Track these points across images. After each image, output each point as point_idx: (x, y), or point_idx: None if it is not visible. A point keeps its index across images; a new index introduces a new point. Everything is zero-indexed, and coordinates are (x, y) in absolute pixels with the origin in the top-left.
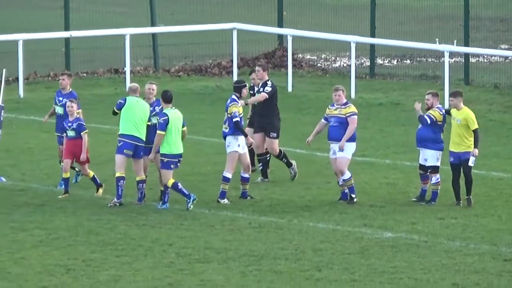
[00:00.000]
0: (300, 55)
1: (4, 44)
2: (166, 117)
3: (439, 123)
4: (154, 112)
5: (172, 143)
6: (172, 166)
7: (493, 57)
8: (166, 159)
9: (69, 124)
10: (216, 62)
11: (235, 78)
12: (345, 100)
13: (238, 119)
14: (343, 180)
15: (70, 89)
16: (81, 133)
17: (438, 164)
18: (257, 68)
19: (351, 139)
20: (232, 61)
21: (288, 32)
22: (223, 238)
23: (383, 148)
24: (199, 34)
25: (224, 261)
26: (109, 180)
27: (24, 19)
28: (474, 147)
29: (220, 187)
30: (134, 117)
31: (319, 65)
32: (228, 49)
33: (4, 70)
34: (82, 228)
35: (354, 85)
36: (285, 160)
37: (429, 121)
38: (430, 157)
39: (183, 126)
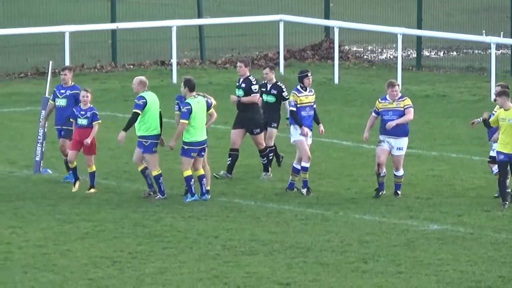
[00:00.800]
0: (346, 47)
1: (51, 36)
2: (190, 107)
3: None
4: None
5: (195, 131)
6: (192, 154)
7: None
8: (186, 147)
9: (82, 113)
10: (263, 54)
11: (281, 70)
12: (400, 94)
13: (293, 108)
14: (398, 176)
15: (73, 83)
16: (93, 123)
17: None
18: (238, 63)
19: (406, 133)
20: (278, 53)
21: (335, 24)
22: (269, 230)
23: (429, 140)
24: (245, 26)
25: (270, 253)
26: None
27: (71, 11)
28: None
29: (301, 177)
30: (157, 113)
31: (365, 57)
32: (274, 41)
33: (50, 62)
34: (128, 220)
35: (401, 77)
36: (265, 162)
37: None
38: None
39: (209, 109)
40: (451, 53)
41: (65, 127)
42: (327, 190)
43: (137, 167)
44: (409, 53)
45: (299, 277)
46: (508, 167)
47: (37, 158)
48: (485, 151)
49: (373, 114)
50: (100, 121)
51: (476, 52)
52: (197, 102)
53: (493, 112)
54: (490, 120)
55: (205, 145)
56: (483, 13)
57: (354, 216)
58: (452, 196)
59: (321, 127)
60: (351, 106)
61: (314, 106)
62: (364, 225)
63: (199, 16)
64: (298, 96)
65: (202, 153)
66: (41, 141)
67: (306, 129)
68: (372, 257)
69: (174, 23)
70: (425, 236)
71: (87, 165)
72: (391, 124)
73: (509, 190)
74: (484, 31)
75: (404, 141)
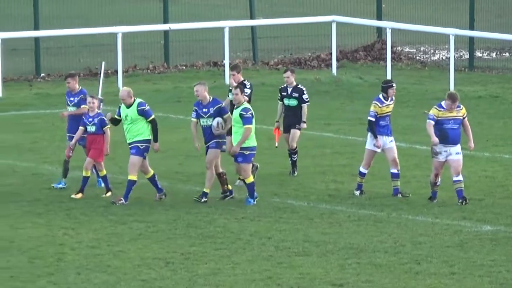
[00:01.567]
0: (399, 48)
1: (104, 37)
2: (252, 111)
3: None
4: (209, 113)
5: (253, 136)
6: (252, 159)
7: None
8: (248, 152)
9: (90, 119)
10: (315, 55)
11: (334, 71)
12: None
13: (372, 119)
14: (459, 181)
15: (80, 87)
16: (103, 128)
17: None
18: (231, 72)
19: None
20: (331, 54)
21: (387, 24)
22: (322, 231)
23: (482, 141)
24: (298, 27)
25: (323, 254)
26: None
27: (123, 12)
28: None
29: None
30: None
31: (417, 57)
32: (327, 41)
33: (103, 63)
34: (181, 221)
35: (453, 78)
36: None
37: None
38: None
39: (226, 113)
40: (504, 54)
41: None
42: (380, 191)
43: (146, 176)
44: (461, 54)
45: (352, 278)
46: None
47: None
48: None
49: (431, 121)
50: (109, 125)
51: None
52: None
53: None
54: None
55: None
56: None
57: (407, 217)
58: (505, 197)
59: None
60: (404, 107)
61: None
62: (417, 226)
63: (252, 17)
64: (380, 107)
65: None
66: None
67: (380, 142)
68: (425, 258)
69: (227, 24)
70: (478, 237)
71: (98, 170)
72: (471, 147)
73: None
74: None
75: (459, 146)
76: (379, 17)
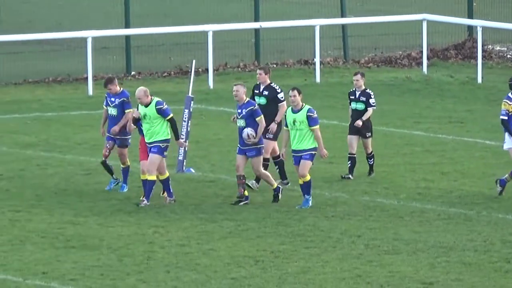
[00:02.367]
0: (489, 46)
1: (194, 35)
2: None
3: None
4: (242, 115)
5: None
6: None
7: None
8: (314, 152)
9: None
10: (406, 53)
11: (424, 69)
12: None
13: (504, 117)
14: None
15: (121, 89)
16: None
17: None
18: (258, 71)
19: None
20: (421, 52)
21: (478, 23)
22: (412, 229)
23: None
24: (389, 25)
25: (413, 252)
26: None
27: (214, 11)
28: None
29: None
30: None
31: (509, 56)
32: (417, 40)
33: (194, 61)
34: (271, 220)
35: None
36: (279, 170)
37: None
38: None
39: (258, 116)
40: None
41: (118, 137)
42: (470, 190)
43: (160, 177)
44: None
45: (441, 277)
46: None
47: (180, 158)
48: None
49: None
50: (132, 112)
51: None
52: None
53: None
54: None
55: None
56: None
57: (497, 216)
58: None
59: None
60: (494, 105)
61: None
62: (508, 224)
63: (343, 15)
64: (510, 104)
65: None
66: (184, 140)
67: None
68: None
69: (317, 22)
70: None
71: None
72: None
73: None
74: None
75: None
76: (470, 16)
